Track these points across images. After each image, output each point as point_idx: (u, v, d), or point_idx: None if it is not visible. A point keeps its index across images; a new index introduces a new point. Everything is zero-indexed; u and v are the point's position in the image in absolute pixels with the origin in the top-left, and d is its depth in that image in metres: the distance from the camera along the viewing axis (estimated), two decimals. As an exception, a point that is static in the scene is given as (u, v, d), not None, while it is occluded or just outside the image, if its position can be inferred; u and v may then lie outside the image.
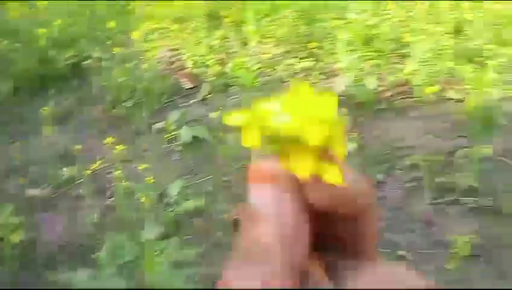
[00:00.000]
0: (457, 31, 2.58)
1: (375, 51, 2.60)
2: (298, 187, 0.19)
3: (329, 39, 2.75)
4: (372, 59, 2.57)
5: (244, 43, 2.89)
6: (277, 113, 0.18)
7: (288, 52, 2.80)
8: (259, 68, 2.59)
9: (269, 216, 0.18)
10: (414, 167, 1.84)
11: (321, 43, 2.76)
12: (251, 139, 0.19)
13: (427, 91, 2.15)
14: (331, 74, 2.63)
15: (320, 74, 2.59)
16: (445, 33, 2.44)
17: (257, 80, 2.50)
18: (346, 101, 2.32)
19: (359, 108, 2.29)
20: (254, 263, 0.18)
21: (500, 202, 1.59)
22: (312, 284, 0.19)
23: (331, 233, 0.21)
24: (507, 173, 1.72)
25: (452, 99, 2.19)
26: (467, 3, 2.80)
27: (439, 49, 2.39)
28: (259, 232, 0.18)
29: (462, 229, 1.54)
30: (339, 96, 2.34)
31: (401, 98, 2.32)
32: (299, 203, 0.19)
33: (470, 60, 2.28)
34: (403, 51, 2.57)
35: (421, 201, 1.69)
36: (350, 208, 0.20)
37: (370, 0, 2.87)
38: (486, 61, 2.18)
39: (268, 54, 2.76)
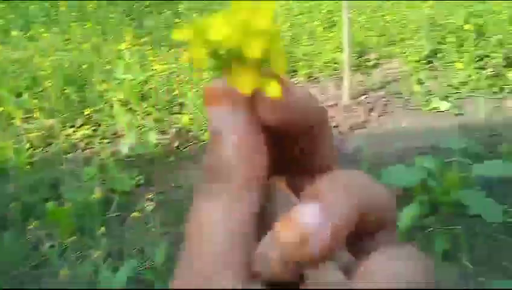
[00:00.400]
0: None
1: (152, 106, 2.66)
2: (251, 106, 0.18)
3: (104, 102, 2.69)
4: (150, 114, 2.63)
5: (8, 124, 2.59)
6: (217, 26, 0.17)
7: (63, 122, 2.63)
8: (31, 147, 2.36)
9: (226, 136, 0.18)
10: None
11: (96, 108, 2.68)
12: (197, 55, 0.18)
13: (207, 135, 2.30)
14: (114, 137, 2.58)
15: (103, 138, 2.52)
16: (211, 79, 2.67)
17: (31, 160, 2.27)
18: (135, 162, 2.31)
19: (150, 165, 2.30)
20: (219, 182, 0.18)
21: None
22: (277, 197, 0.20)
23: (287, 156, 0.21)
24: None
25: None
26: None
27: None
28: (219, 152, 0.18)
29: None
30: (125, 159, 2.32)
31: (187, 146, 2.42)
32: (253, 120, 0.19)
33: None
34: (179, 101, 2.70)
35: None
36: (301, 121, 0.19)
37: (137, 62, 2.93)
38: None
39: (40, 129, 2.53)
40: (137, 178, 2.19)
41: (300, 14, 3.41)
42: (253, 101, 0.18)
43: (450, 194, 1.52)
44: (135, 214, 1.88)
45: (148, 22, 3.76)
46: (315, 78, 2.76)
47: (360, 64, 2.80)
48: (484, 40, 2.62)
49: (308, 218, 0.16)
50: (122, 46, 3.03)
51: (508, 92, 2.32)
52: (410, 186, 1.54)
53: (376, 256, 0.16)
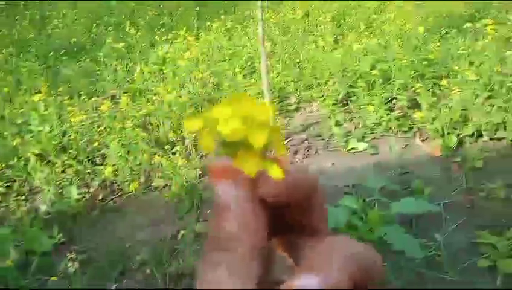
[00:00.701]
0: (146, 123, 2.81)
1: (73, 158, 2.54)
2: (254, 182, 0.21)
3: (17, 157, 2.52)
4: (71, 166, 2.50)
5: None
6: (225, 120, 0.20)
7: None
8: None
9: (231, 208, 0.20)
10: (144, 264, 1.85)
11: (9, 163, 2.50)
12: (206, 143, 0.21)
13: (133, 186, 2.24)
14: (32, 193, 2.41)
15: (18, 195, 2.34)
16: (135, 127, 2.62)
17: None
18: (55, 219, 2.17)
19: (72, 221, 2.17)
20: (223, 250, 0.20)
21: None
22: (277, 264, 0.22)
23: (285, 220, 0.24)
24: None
25: (158, 187, 2.34)
26: (147, 100, 3.10)
27: (134, 143, 2.54)
28: (224, 223, 0.20)
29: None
30: (44, 216, 2.17)
31: (112, 198, 2.33)
32: (255, 195, 0.21)
33: (163, 148, 2.51)
34: (101, 152, 2.61)
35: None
36: (298, 194, 0.22)
37: (53, 113, 2.81)
38: (174, 148, 2.46)
39: None
40: (58, 236, 2.05)
41: (221, 61, 3.51)
42: (254, 179, 0.21)
43: (373, 231, 1.60)
44: (55, 278, 1.76)
45: (65, 70, 3.64)
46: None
47: (282, 109, 2.93)
48: (390, 84, 2.87)
49: (310, 286, 0.18)
50: (37, 97, 2.89)
51: (415, 131, 2.54)
52: (338, 227, 1.61)
53: None
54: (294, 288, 0.18)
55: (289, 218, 0.24)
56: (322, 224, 0.24)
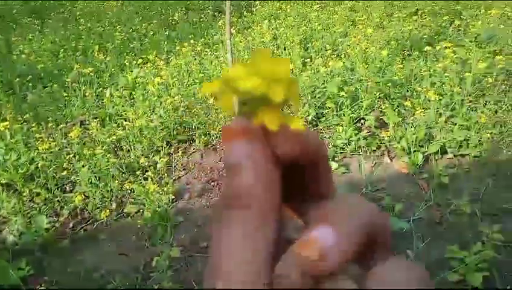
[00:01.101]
0: (116, 149, 2.78)
1: (41, 187, 2.48)
2: (266, 139, 0.21)
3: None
4: (40, 195, 2.44)
5: None
6: (244, 77, 0.20)
7: None
8: None
9: (246, 165, 0.20)
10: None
11: (-27, 193, 2.41)
12: (226, 103, 0.21)
13: (104, 213, 2.20)
14: (-4, 224, 2.33)
15: (-18, 227, 2.25)
16: (106, 152, 2.59)
17: None
18: (23, 250, 2.10)
19: (42, 250, 2.11)
20: (237, 208, 0.19)
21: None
22: (286, 225, 0.22)
23: (295, 183, 0.23)
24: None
25: (130, 213, 2.31)
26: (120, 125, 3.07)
27: (104, 169, 2.50)
28: (240, 181, 0.20)
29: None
30: (11, 248, 2.10)
31: (83, 226, 2.28)
32: (268, 153, 0.20)
33: (134, 174, 2.49)
34: (71, 179, 2.55)
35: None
36: (311, 154, 0.22)
37: (20, 141, 2.74)
38: (146, 174, 2.44)
39: None
40: (26, 268, 1.98)
41: (192, 85, 3.53)
42: (268, 137, 0.21)
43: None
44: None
45: (31, 97, 3.57)
46: (213, 146, 2.83)
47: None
48: (357, 104, 2.96)
49: (324, 238, 0.18)
50: (2, 125, 2.81)
51: (383, 150, 2.62)
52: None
53: (384, 266, 0.20)
54: (310, 240, 0.18)
55: (297, 181, 0.24)
56: (330, 189, 0.24)
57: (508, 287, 1.63)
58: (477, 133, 2.49)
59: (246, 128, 0.20)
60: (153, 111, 3.13)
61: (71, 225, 2.28)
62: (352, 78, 3.24)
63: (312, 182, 0.24)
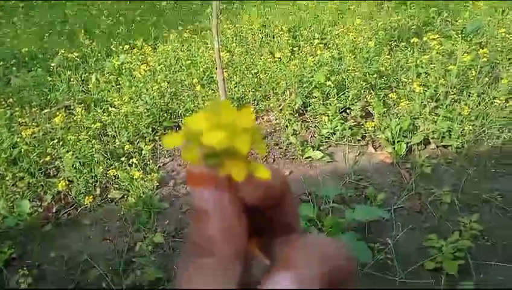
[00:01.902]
0: (101, 135, 2.76)
1: (23, 171, 2.46)
2: (232, 187, 0.21)
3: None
4: (23, 179, 2.42)
5: None
6: (207, 130, 0.20)
7: None
8: None
9: (211, 213, 0.21)
10: (100, 278, 1.82)
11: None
12: (191, 156, 0.21)
13: (88, 199, 2.19)
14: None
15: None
16: (90, 138, 2.57)
17: None
18: (6, 234, 2.09)
19: (25, 234, 2.10)
20: (206, 256, 0.20)
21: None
22: (254, 263, 0.23)
23: (260, 220, 0.24)
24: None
25: (114, 199, 2.31)
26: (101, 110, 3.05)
27: (89, 155, 2.49)
28: (205, 227, 0.20)
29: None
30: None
31: (67, 211, 2.27)
32: (235, 201, 0.21)
33: (119, 160, 2.48)
34: (55, 164, 2.54)
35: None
36: (277, 195, 0.23)
37: (3, 124, 2.71)
38: (131, 160, 2.43)
39: None
40: (8, 252, 1.98)
41: (179, 71, 3.51)
42: (234, 184, 0.21)
43: (329, 237, 1.66)
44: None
45: (15, 81, 3.51)
46: (198, 134, 2.83)
47: (240, 119, 2.95)
48: (344, 94, 2.98)
49: (284, 285, 0.19)
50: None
51: (368, 140, 2.64)
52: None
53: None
54: (269, 288, 0.19)
55: (264, 218, 0.24)
56: (295, 222, 0.25)
57: (481, 275, 1.67)
58: (460, 124, 2.53)
59: (213, 176, 0.21)
60: (139, 97, 3.11)
61: (54, 210, 2.27)
62: (340, 68, 3.25)
63: (278, 217, 0.25)
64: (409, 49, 3.41)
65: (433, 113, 2.65)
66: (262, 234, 0.25)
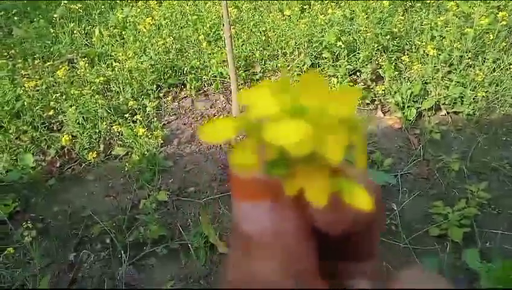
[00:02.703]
0: (105, 90, 2.71)
1: (28, 124, 2.43)
2: (299, 202, 0.14)
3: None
4: (26, 133, 2.40)
5: None
6: (279, 120, 0.12)
7: None
8: None
9: (271, 245, 0.14)
10: (104, 233, 1.83)
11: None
12: (248, 161, 0.13)
13: (91, 155, 2.17)
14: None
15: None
16: (94, 93, 2.53)
17: None
18: (10, 187, 2.09)
19: (28, 188, 2.10)
20: None
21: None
22: None
23: (333, 243, 0.17)
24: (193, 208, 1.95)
25: (118, 156, 2.29)
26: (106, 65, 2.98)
27: (92, 110, 2.45)
28: (259, 267, 0.14)
29: (170, 272, 1.64)
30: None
31: (70, 166, 2.26)
32: (302, 224, 0.14)
33: (123, 116, 2.44)
34: (58, 119, 2.50)
35: (120, 264, 1.70)
36: (360, 223, 0.16)
37: (6, 76, 2.65)
38: (135, 117, 2.39)
39: None
40: (13, 205, 1.98)
41: (185, 27, 3.41)
42: (303, 200, 0.14)
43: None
44: (11, 249, 1.71)
45: (17, 31, 3.43)
46: (204, 92, 2.77)
47: (247, 77, 2.89)
48: (354, 56, 2.89)
49: None
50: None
51: (377, 104, 2.58)
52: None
53: (408, 275, 0.16)
54: None
55: (337, 243, 0.18)
56: (374, 250, 0.19)
57: (486, 244, 1.66)
58: (473, 90, 2.46)
59: (271, 185, 0.14)
60: (144, 52, 3.03)
61: (58, 165, 2.26)
62: (351, 28, 3.14)
63: (356, 244, 0.19)
64: (424, 10, 3.28)
65: (445, 78, 2.57)
66: (330, 260, 0.18)
